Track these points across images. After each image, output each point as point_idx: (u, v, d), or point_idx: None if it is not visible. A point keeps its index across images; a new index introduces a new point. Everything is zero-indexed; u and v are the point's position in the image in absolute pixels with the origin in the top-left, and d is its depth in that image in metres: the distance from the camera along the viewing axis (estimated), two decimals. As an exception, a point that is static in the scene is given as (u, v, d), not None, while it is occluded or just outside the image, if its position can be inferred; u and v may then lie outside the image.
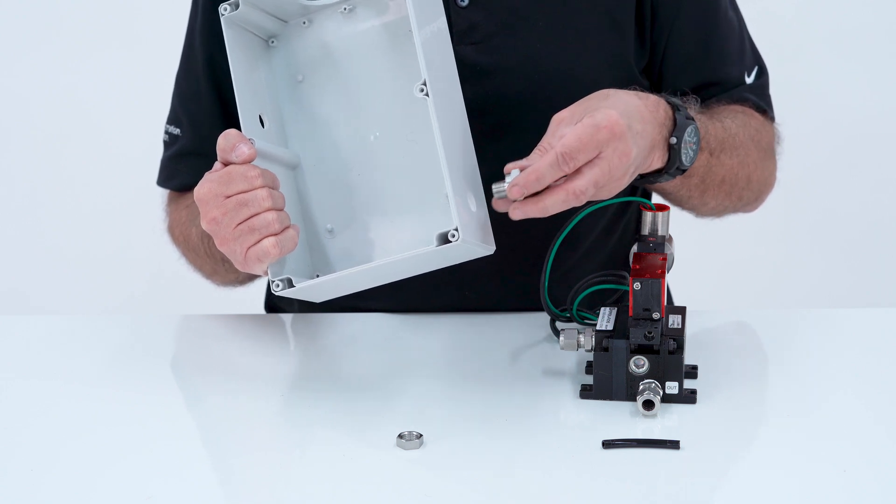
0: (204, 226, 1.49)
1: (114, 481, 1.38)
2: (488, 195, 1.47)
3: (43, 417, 1.53)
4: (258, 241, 1.46)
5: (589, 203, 1.49)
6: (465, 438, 1.44)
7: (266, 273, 1.49)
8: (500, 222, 1.49)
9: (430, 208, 1.53)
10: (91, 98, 3.65)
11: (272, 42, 1.61)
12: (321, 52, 1.59)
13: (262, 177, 1.47)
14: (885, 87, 3.56)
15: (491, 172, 1.48)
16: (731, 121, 1.69)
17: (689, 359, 1.54)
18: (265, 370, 1.63)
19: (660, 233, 1.55)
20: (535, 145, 1.46)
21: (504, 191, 1.44)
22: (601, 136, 1.42)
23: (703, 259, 3.08)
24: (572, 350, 1.51)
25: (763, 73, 1.80)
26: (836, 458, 1.38)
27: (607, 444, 1.40)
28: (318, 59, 1.59)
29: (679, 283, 2.01)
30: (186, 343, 1.77)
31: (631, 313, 1.49)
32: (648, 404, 1.46)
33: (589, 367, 1.54)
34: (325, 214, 1.58)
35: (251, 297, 2.03)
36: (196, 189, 1.49)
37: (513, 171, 1.44)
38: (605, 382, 1.49)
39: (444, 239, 1.41)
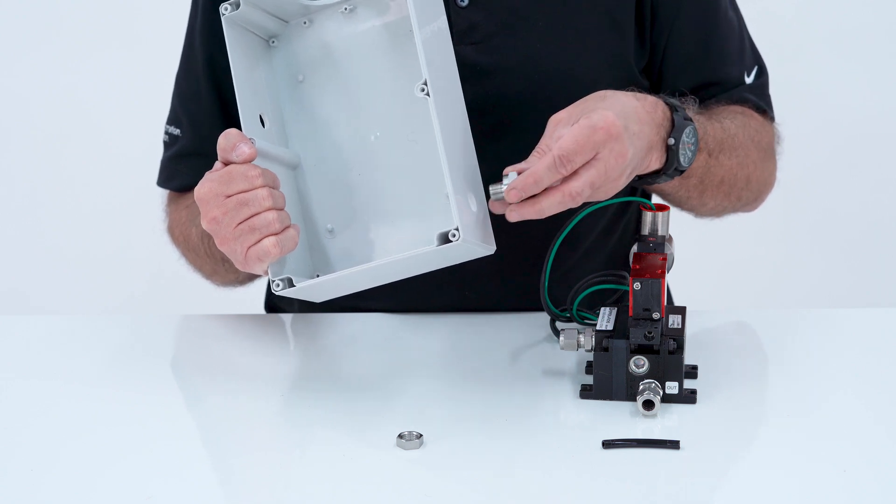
0: (204, 225, 1.49)
1: (114, 481, 1.38)
2: (488, 195, 1.47)
3: (43, 417, 1.53)
4: (259, 241, 1.46)
5: (588, 203, 1.49)
6: (465, 438, 1.44)
7: (266, 273, 1.49)
8: (500, 222, 1.49)
9: (431, 208, 1.53)
10: (91, 98, 3.65)
11: (273, 42, 1.61)
12: (322, 52, 1.59)
13: (263, 176, 1.47)
14: (885, 87, 3.56)
15: (491, 172, 1.48)
16: (731, 121, 1.69)
17: (689, 359, 1.54)
18: (265, 370, 1.63)
19: (660, 233, 1.55)
20: (536, 145, 1.46)
21: (501, 193, 1.44)
22: (598, 137, 1.42)
23: (703, 259, 3.08)
24: (572, 350, 1.51)
25: (763, 73, 1.80)
26: (836, 458, 1.38)
27: (607, 444, 1.40)
28: (318, 59, 1.59)
29: (679, 283, 2.01)
30: (186, 343, 1.77)
31: (631, 313, 1.49)
32: (648, 404, 1.46)
33: (589, 367, 1.54)
34: (325, 214, 1.58)
35: (251, 297, 2.03)
36: (196, 189, 1.49)
37: (510, 173, 1.44)
38: (605, 382, 1.49)
39: (445, 239, 1.41)
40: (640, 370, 1.48)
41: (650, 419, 1.46)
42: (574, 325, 1.59)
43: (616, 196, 1.48)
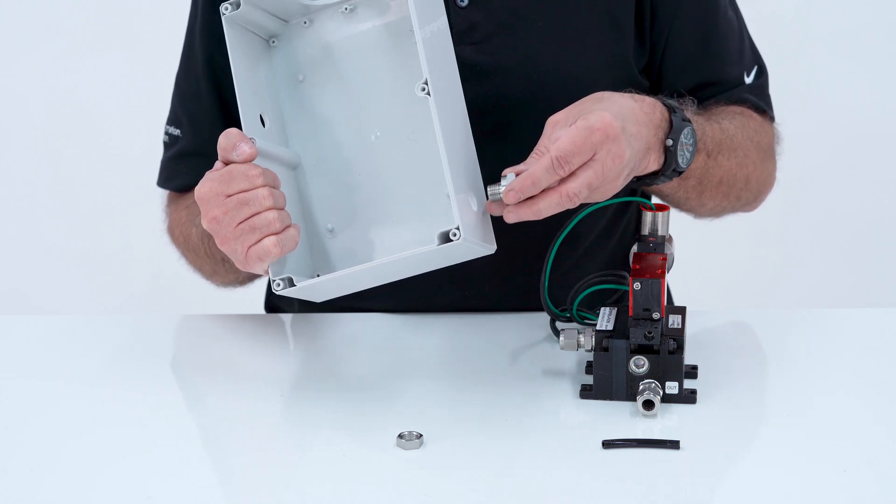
0: (205, 225, 1.49)
1: (114, 481, 1.38)
2: (487, 196, 1.47)
3: (43, 417, 1.53)
4: (259, 241, 1.46)
5: (588, 203, 1.49)
6: (465, 438, 1.44)
7: (267, 272, 1.49)
8: (500, 222, 1.49)
9: (431, 208, 1.53)
10: (91, 98, 3.65)
11: (273, 42, 1.61)
12: (322, 52, 1.59)
13: (263, 176, 1.47)
14: (885, 87, 3.56)
15: (491, 172, 1.48)
16: (729, 122, 1.69)
17: (689, 359, 1.54)
18: (265, 370, 1.63)
19: (660, 233, 1.55)
20: (536, 145, 1.46)
21: (499, 194, 1.44)
22: (595, 138, 1.42)
23: (703, 259, 3.08)
24: (572, 350, 1.51)
25: (763, 73, 1.80)
26: (836, 458, 1.38)
27: (607, 444, 1.40)
28: (318, 58, 1.59)
29: (679, 283, 2.01)
30: (186, 343, 1.77)
31: (631, 313, 1.49)
32: (648, 404, 1.46)
33: (589, 367, 1.54)
34: (325, 214, 1.58)
35: (251, 297, 2.03)
36: (197, 188, 1.49)
37: (508, 174, 1.44)
38: (605, 382, 1.49)
39: (446, 238, 1.41)
40: (640, 370, 1.48)
41: (650, 419, 1.46)
42: (574, 325, 1.59)
43: (615, 196, 1.48)
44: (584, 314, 1.58)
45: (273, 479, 1.38)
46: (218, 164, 1.49)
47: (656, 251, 1.54)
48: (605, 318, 1.52)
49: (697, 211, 1.75)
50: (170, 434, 1.48)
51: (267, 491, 1.36)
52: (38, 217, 3.61)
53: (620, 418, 1.46)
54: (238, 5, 1.54)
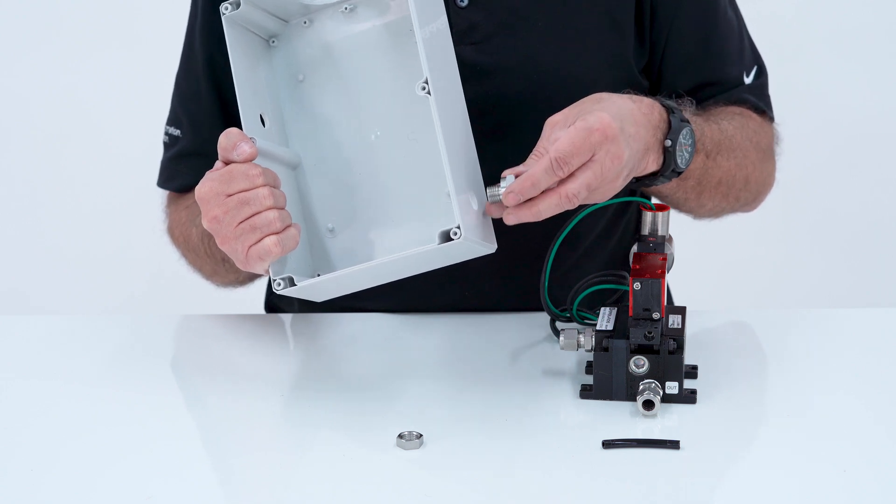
0: (205, 224, 1.49)
1: (114, 481, 1.38)
2: (487, 197, 1.47)
3: (43, 417, 1.53)
4: (260, 240, 1.46)
5: (588, 203, 1.49)
6: (465, 438, 1.44)
7: (267, 272, 1.49)
8: (500, 222, 1.49)
9: (432, 207, 1.53)
10: (91, 98, 3.65)
11: (273, 41, 1.61)
12: (322, 52, 1.59)
13: (264, 175, 1.47)
14: (885, 87, 3.56)
15: (491, 173, 1.48)
16: (728, 122, 1.69)
17: (689, 359, 1.54)
18: (265, 370, 1.63)
19: (660, 233, 1.55)
20: (536, 145, 1.46)
21: (499, 196, 1.44)
22: (594, 138, 1.42)
23: (703, 259, 3.08)
24: (572, 350, 1.51)
25: (762, 73, 1.80)
26: (836, 458, 1.38)
27: (607, 444, 1.40)
28: (318, 58, 1.59)
29: (679, 283, 2.01)
30: (186, 343, 1.77)
31: (631, 313, 1.49)
32: (648, 404, 1.46)
33: (589, 367, 1.54)
34: (326, 214, 1.58)
35: (251, 297, 2.03)
36: (197, 188, 1.49)
37: (507, 176, 1.44)
38: (605, 382, 1.49)
39: (446, 237, 1.41)
40: (640, 370, 1.48)
41: (650, 419, 1.46)
42: (574, 325, 1.59)
43: (615, 196, 1.48)
44: (584, 314, 1.58)
45: (273, 479, 1.38)
46: (218, 163, 1.49)
47: (656, 251, 1.54)
48: (605, 318, 1.52)
49: (697, 212, 1.75)
50: (170, 434, 1.48)
51: (267, 491, 1.36)
52: (38, 217, 3.61)
53: (620, 418, 1.46)
54: (238, 5, 1.54)
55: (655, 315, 1.48)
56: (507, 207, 1.44)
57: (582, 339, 1.50)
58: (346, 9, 1.58)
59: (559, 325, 1.63)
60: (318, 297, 1.55)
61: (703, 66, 1.75)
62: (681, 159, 1.53)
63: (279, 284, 1.47)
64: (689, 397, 1.49)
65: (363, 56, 1.57)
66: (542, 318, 1.67)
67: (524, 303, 1.72)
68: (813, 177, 3.42)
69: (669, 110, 1.53)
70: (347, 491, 1.35)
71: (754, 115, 1.76)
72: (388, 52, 1.56)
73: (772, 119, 1.81)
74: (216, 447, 1.48)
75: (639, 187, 1.59)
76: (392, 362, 1.64)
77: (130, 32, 3.66)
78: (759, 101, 1.78)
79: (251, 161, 1.47)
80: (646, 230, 1.55)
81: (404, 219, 1.55)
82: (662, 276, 1.49)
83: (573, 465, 1.39)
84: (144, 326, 1.81)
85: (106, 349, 1.70)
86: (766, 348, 1.68)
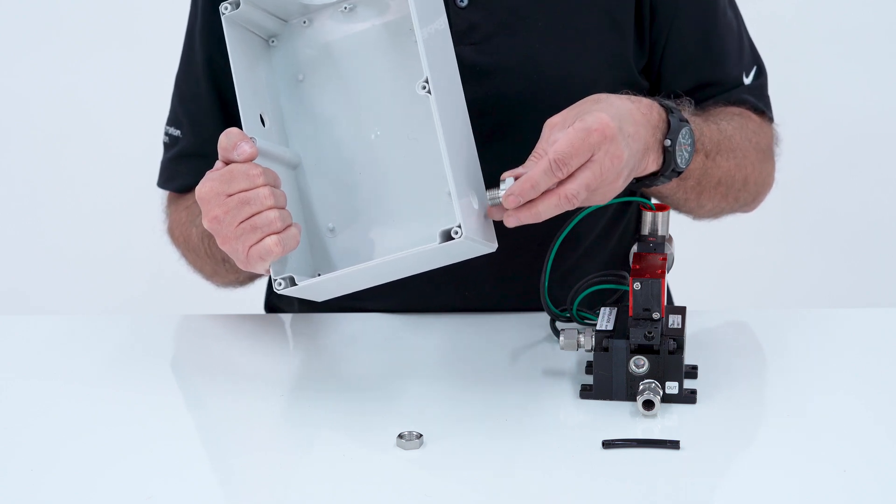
0: (206, 224, 1.49)
1: (114, 481, 1.38)
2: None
3: (43, 417, 1.53)
4: (260, 240, 1.46)
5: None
6: (465, 438, 1.44)
7: (268, 272, 1.49)
8: (500, 223, 1.49)
9: (432, 206, 1.53)
10: (91, 98, 3.65)
11: (273, 41, 1.61)
12: (322, 52, 1.59)
13: (264, 175, 1.47)
14: (885, 87, 3.56)
15: (491, 173, 1.48)
16: (728, 123, 1.69)
17: (689, 359, 1.54)
18: (265, 370, 1.63)
19: (660, 233, 1.55)
20: (536, 145, 1.46)
21: (499, 198, 1.44)
22: (593, 139, 1.42)
23: (703, 259, 3.08)
24: (572, 350, 1.51)
25: (762, 74, 1.80)
26: (836, 458, 1.38)
27: (607, 444, 1.40)
28: (318, 58, 1.59)
29: (679, 283, 2.01)
30: (186, 343, 1.77)
31: (631, 313, 1.49)
32: (648, 404, 1.46)
33: (589, 367, 1.54)
34: (326, 213, 1.58)
35: (251, 297, 2.03)
36: (197, 188, 1.49)
37: (507, 178, 1.44)
38: (605, 382, 1.49)
39: (447, 236, 1.41)
40: (640, 370, 1.48)
41: (650, 419, 1.46)
42: (574, 325, 1.59)
43: (615, 196, 1.48)
44: (584, 314, 1.58)
45: (273, 479, 1.38)
46: (218, 163, 1.49)
47: (656, 251, 1.54)
48: (605, 318, 1.52)
49: (696, 212, 1.75)
50: (170, 434, 1.48)
51: (267, 491, 1.36)
52: (38, 217, 3.61)
53: (620, 418, 1.46)
54: (238, 5, 1.54)
55: (655, 315, 1.48)
56: (508, 210, 1.44)
57: (582, 339, 1.50)
58: (345, 8, 1.58)
59: (559, 325, 1.63)
60: (319, 297, 1.55)
61: (703, 67, 1.75)
62: (680, 159, 1.53)
63: (280, 284, 1.47)
64: (689, 397, 1.49)
65: (363, 56, 1.57)
66: (542, 318, 1.67)
67: (524, 303, 1.72)
68: (813, 177, 3.42)
69: (668, 110, 1.53)
70: (347, 491, 1.35)
71: (754, 116, 1.76)
72: (387, 52, 1.56)
73: (771, 119, 1.81)
74: (216, 447, 1.48)
75: (639, 188, 1.59)
76: (392, 362, 1.64)
77: (130, 32, 3.66)
78: (758, 102, 1.78)
79: (251, 161, 1.47)
80: (646, 230, 1.55)
81: (405, 218, 1.55)
82: (662, 276, 1.49)
83: (573, 465, 1.39)
84: (144, 326, 1.81)
85: (106, 349, 1.70)
86: (766, 348, 1.68)
